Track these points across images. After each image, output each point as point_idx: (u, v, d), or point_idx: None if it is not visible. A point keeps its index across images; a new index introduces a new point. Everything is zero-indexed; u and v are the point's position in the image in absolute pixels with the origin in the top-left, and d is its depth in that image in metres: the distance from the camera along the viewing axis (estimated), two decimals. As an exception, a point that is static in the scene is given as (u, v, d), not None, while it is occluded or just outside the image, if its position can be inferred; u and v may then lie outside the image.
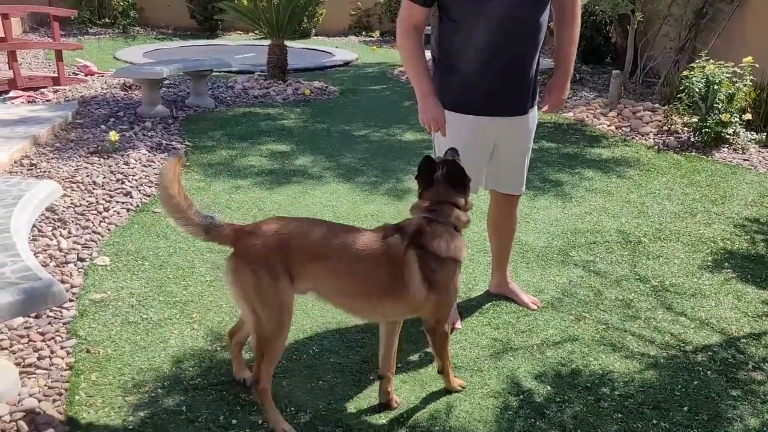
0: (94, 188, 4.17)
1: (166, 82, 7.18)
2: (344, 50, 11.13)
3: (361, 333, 2.81)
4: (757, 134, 5.47)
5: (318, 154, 5.20)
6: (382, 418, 2.32)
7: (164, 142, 5.25)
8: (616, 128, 6.12)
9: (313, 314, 2.93)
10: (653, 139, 5.79)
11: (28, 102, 6.52)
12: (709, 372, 2.61)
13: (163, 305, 2.95)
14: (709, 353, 2.74)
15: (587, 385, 2.51)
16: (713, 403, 2.44)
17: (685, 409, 2.41)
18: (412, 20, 2.56)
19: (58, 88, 7.30)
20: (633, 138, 5.85)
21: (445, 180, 2.28)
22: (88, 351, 2.59)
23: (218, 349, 2.66)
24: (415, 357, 2.67)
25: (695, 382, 2.55)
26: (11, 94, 6.76)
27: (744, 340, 2.83)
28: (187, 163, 4.82)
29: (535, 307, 3.03)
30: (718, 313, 3.03)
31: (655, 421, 2.34)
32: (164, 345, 2.66)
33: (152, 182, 4.37)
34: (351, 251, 2.15)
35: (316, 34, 13.08)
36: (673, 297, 3.17)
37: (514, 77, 2.62)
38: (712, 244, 3.75)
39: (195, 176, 4.58)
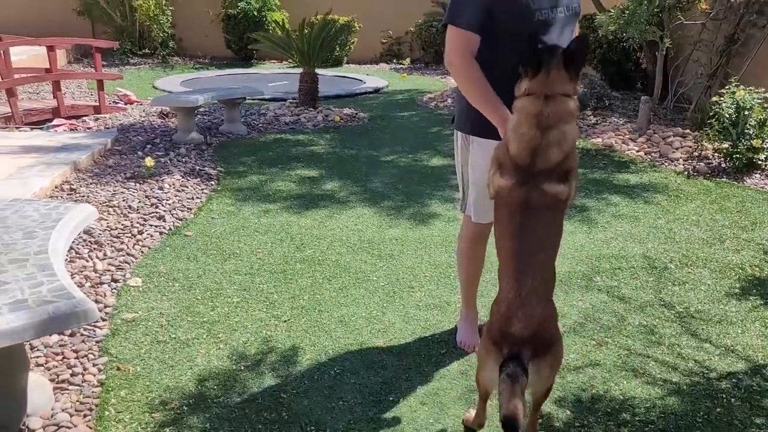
0: (129, 212, 4.33)
1: (201, 109, 7.41)
2: (375, 77, 11.32)
3: (382, 355, 2.85)
4: (790, 160, 5.39)
5: (346, 179, 5.30)
6: (400, 439, 2.35)
7: (197, 167, 5.42)
8: (645, 154, 6.09)
9: (335, 335, 2.99)
10: (683, 164, 5.74)
11: (70, 130, 6.79)
12: (732, 399, 2.58)
13: (191, 325, 3.04)
14: (734, 380, 2.70)
15: (608, 411, 2.50)
16: (736, 431, 2.40)
17: (707, 436, 2.38)
18: (470, 48, 2.42)
19: (98, 116, 7.59)
20: (662, 164, 5.81)
21: (562, 65, 2.02)
22: (118, 368, 2.69)
23: (242, 368, 2.73)
24: (435, 379, 2.70)
25: (718, 409, 2.52)
26: (55, 122, 7.06)
27: (770, 368, 2.79)
28: (219, 188, 4.96)
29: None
30: (744, 341, 2.99)
31: (675, 448, 2.32)
32: (191, 364, 2.75)
33: (185, 206, 4.52)
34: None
35: (347, 62, 13.33)
36: (698, 323, 3.14)
37: None
38: (740, 270, 3.70)
39: (226, 201, 4.71)
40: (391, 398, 2.57)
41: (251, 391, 2.58)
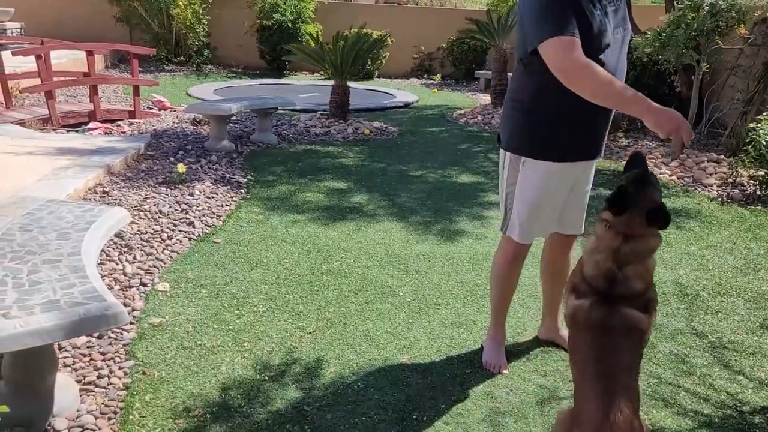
0: (160, 217, 4.38)
1: (234, 118, 7.50)
2: (405, 92, 11.36)
3: (406, 372, 2.83)
4: (829, 189, 5.27)
5: (374, 193, 5.30)
6: (422, 459, 2.31)
7: (227, 175, 5.47)
8: (678, 179, 5.99)
9: (360, 349, 2.97)
10: (716, 191, 5.64)
11: (105, 133, 6.92)
12: (767, 435, 2.50)
13: (216, 332, 3.05)
14: (767, 415, 2.62)
15: (636, 440, 2.44)
16: (770, 469, 2.33)
17: (740, 472, 2.31)
18: (578, 47, 2.26)
19: (133, 121, 7.73)
20: (695, 189, 5.71)
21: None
22: (143, 373, 2.70)
23: (266, 379, 2.72)
24: (460, 399, 2.66)
25: (751, 445, 2.44)
26: (90, 125, 7.20)
27: (807, 405, 2.70)
28: (248, 196, 5.00)
29: (586, 356, 2.97)
30: (779, 374, 2.91)
31: (706, 483, 2.25)
32: (215, 371, 2.75)
33: (214, 213, 4.55)
34: None
35: (379, 76, 13.42)
36: (731, 354, 3.06)
37: (608, 118, 2.63)
38: (776, 301, 3.61)
39: (254, 209, 4.74)
40: (414, 416, 2.54)
41: (274, 402, 2.57)
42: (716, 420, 2.57)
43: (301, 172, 5.79)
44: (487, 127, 8.37)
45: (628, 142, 7.09)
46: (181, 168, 5.18)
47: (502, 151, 2.70)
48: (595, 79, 2.23)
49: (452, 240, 4.33)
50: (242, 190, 5.15)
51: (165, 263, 3.75)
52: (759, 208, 5.23)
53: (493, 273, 2.92)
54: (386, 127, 7.91)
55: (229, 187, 5.18)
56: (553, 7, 2.30)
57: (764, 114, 5.53)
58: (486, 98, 10.69)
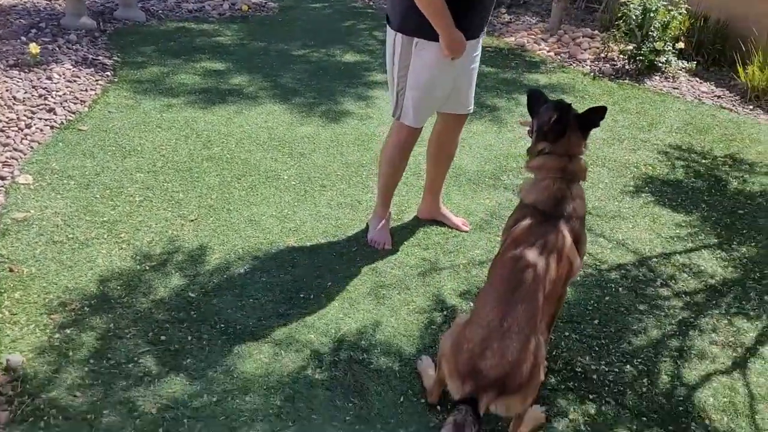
0: (14, 104, 3.96)
1: (93, -9, 6.74)
2: (285, -36, 10.64)
3: (293, 253, 2.85)
4: (688, 63, 5.62)
5: (254, 74, 5.06)
6: (309, 333, 2.39)
7: (90, 56, 4.99)
8: (555, 54, 6.15)
9: (245, 234, 2.95)
10: (590, 65, 5.86)
11: (-61, 9, 6.03)
12: (620, 288, 2.79)
13: (89, 225, 2.90)
14: (622, 271, 2.91)
15: (508, 302, 2.64)
16: (621, 317, 2.62)
17: (596, 322, 2.58)
18: None
19: (-28, -6, 6.76)
20: (571, 64, 5.90)
21: (577, 129, 2.17)
22: (11, 270, 2.55)
23: (147, 269, 2.65)
24: (346, 276, 2.73)
25: (607, 298, 2.72)
26: None
27: (655, 260, 3.02)
28: (115, 80, 4.62)
29: (467, 229, 3.12)
30: (634, 235, 3.21)
31: (567, 333, 2.50)
32: (91, 264, 2.64)
33: (78, 99, 4.18)
34: None
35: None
36: (595, 219, 3.32)
37: None
38: (635, 169, 3.91)
39: (124, 93, 4.40)
40: (301, 295, 2.59)
41: (157, 291, 2.53)
42: (578, 278, 2.82)
43: (174, 53, 5.38)
44: (372, 3, 8.09)
45: (510, 19, 7.13)
46: (34, 49, 4.64)
47: (392, 32, 2.59)
48: None
49: (337, 121, 4.27)
50: (108, 73, 4.74)
51: (25, 154, 3.44)
52: (626, 81, 5.52)
53: (383, 157, 2.91)
54: (266, 3, 7.44)
55: (93, 69, 4.74)
56: None
57: (636, -11, 5.68)
58: None
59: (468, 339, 1.89)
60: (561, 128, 2.13)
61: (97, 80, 4.55)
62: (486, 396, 1.82)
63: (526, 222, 2.07)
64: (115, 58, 5.08)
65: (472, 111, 2.93)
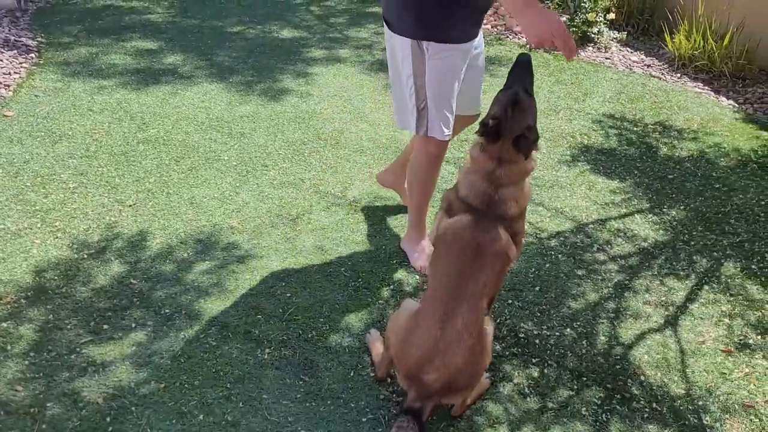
0: (-70, 90, 3.75)
1: (11, -32, 6.37)
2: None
3: (236, 235, 2.82)
4: (619, 33, 5.77)
5: (189, 52, 4.92)
6: (257, 314, 2.39)
7: (12, 38, 4.74)
8: (492, 27, 6.22)
9: (186, 218, 2.90)
10: (525, 37, 5.94)
11: None
12: (560, 255, 2.89)
13: (21, 214, 2.79)
14: (561, 239, 3.01)
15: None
16: (561, 282, 2.71)
17: (537, 288, 2.67)
18: None
19: None
20: (507, 37, 5.98)
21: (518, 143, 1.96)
22: (-62, 266, 2.44)
23: (85, 257, 2.58)
24: (291, 256, 2.73)
25: (547, 265, 2.81)
26: None
27: (592, 226, 3.13)
28: (41, 62, 4.41)
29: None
30: (571, 203, 3.31)
31: (510, 301, 2.58)
32: (25, 255, 2.55)
33: (1, 83, 3.98)
34: None
35: None
36: (534, 189, 3.40)
37: None
38: (571, 138, 4.02)
39: (51, 76, 4.21)
40: (247, 277, 2.58)
41: (97, 279, 2.47)
42: (519, 247, 2.90)
43: (103, 32, 5.17)
44: (307, -23, 7.95)
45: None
46: (-51, 30, 4.39)
47: (397, 38, 2.30)
48: None
49: (276, 99, 4.21)
50: (33, 55, 4.52)
51: (-54, 143, 3.28)
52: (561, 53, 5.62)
53: (415, 178, 2.67)
54: (198, -22, 7.21)
55: (15, 51, 4.51)
56: None
57: (568, -39, 5.78)
58: None
59: (415, 345, 1.92)
60: (497, 132, 1.94)
61: (21, 63, 4.34)
62: (430, 402, 1.92)
63: (460, 220, 1.99)
64: (39, 39, 4.85)
65: (480, 112, 2.68)
